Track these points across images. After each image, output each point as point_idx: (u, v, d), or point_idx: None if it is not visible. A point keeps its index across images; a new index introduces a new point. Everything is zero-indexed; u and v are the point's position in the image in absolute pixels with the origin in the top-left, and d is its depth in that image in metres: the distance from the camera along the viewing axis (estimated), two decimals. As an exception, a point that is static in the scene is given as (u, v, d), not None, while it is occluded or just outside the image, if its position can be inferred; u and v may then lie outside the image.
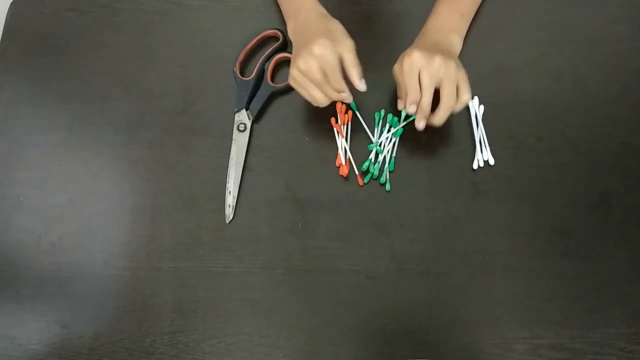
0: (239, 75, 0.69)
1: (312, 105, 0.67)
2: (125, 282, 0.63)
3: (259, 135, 0.67)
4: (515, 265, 0.59)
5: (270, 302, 0.60)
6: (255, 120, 0.68)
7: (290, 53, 0.69)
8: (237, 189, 0.64)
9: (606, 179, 0.62)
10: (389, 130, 0.64)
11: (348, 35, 0.58)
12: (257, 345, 0.59)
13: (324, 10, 0.62)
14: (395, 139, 0.64)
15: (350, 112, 0.66)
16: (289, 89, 0.68)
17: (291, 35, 0.63)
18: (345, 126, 0.65)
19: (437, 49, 0.57)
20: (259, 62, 0.69)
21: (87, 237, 0.65)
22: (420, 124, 0.58)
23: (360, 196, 0.63)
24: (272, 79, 0.69)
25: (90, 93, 0.71)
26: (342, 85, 0.58)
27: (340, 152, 0.64)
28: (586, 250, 0.59)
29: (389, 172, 0.63)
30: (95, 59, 0.73)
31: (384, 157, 0.64)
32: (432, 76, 0.55)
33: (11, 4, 0.78)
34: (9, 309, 0.63)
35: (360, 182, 0.63)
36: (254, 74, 0.68)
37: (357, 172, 0.64)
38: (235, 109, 0.68)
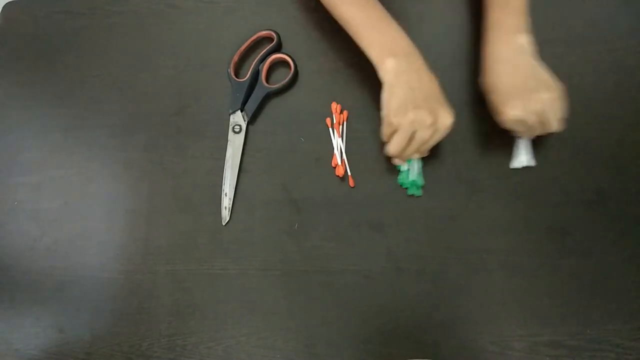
0: (234, 77, 0.69)
1: (307, 107, 0.67)
2: (121, 285, 0.62)
3: (254, 136, 0.67)
4: (512, 263, 0.59)
5: (267, 304, 0.60)
6: (251, 121, 0.68)
7: (286, 54, 0.69)
8: (233, 190, 0.64)
9: (601, 176, 0.62)
10: None
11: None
12: (255, 347, 0.59)
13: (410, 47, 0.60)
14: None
15: (345, 112, 0.66)
16: (284, 90, 0.68)
17: (392, 73, 0.58)
18: (341, 126, 0.65)
19: (536, 82, 0.58)
20: (254, 63, 0.69)
21: (82, 240, 0.65)
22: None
23: (356, 196, 0.63)
24: (267, 80, 0.69)
25: (84, 96, 0.71)
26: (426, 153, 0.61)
27: (336, 153, 0.64)
28: (582, 247, 0.60)
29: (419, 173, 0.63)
30: (89, 61, 0.73)
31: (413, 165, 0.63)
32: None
33: (3, 7, 0.78)
34: (5, 314, 0.63)
35: (352, 183, 0.63)
36: (248, 75, 0.68)
37: (349, 173, 0.63)
38: (230, 111, 0.68)
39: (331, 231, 0.62)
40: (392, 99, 0.58)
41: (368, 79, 0.68)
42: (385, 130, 0.59)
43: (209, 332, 0.60)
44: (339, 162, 0.64)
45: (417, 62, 0.59)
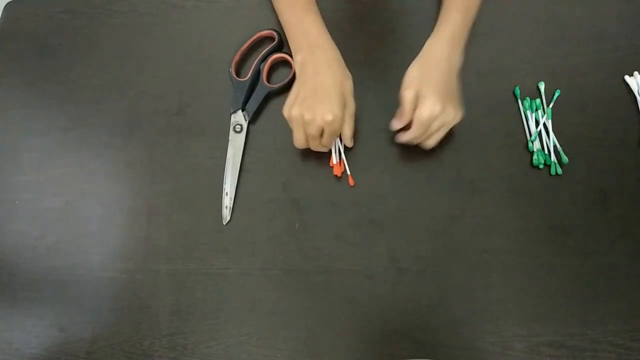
0: (235, 76, 0.69)
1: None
2: (122, 284, 0.62)
3: (255, 136, 0.67)
4: (513, 264, 0.59)
5: (268, 303, 0.60)
6: (252, 121, 0.68)
7: (286, 54, 0.69)
8: (234, 190, 0.64)
9: (604, 176, 0.62)
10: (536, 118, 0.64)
11: (353, 95, 0.61)
12: (256, 346, 0.59)
13: (338, 53, 0.62)
14: (549, 120, 0.64)
15: None
16: (285, 90, 0.68)
17: (299, 66, 0.62)
18: None
19: (451, 89, 0.59)
20: (255, 62, 0.69)
21: (83, 240, 0.65)
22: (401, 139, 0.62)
23: (357, 196, 0.63)
24: (268, 80, 0.69)
25: (85, 95, 0.71)
26: (331, 145, 0.62)
27: (334, 152, 0.64)
28: (584, 247, 0.59)
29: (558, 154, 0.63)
30: (90, 60, 0.73)
31: (545, 142, 0.63)
32: (441, 125, 0.58)
33: (5, 6, 0.78)
34: (6, 313, 0.63)
35: (352, 182, 0.63)
36: (249, 75, 0.68)
37: (349, 173, 0.63)
38: (231, 110, 0.68)
39: (332, 231, 0.62)
40: (290, 93, 0.61)
41: (368, 79, 0.68)
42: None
43: (209, 331, 0.60)
44: (335, 162, 0.64)
45: (321, 56, 0.60)
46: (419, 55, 0.62)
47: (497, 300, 0.58)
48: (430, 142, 0.61)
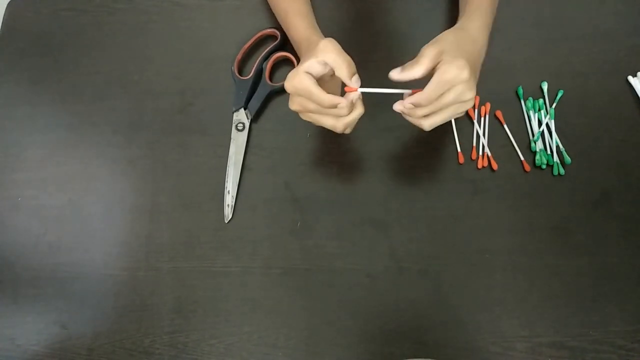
0: (237, 75, 0.69)
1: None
2: (124, 282, 0.62)
3: (257, 134, 0.67)
4: (515, 264, 0.59)
5: (269, 302, 0.60)
6: (254, 119, 0.68)
7: (289, 52, 0.69)
8: (236, 188, 0.64)
9: (606, 176, 0.62)
10: (538, 118, 0.64)
11: (325, 41, 0.52)
12: (257, 345, 0.59)
13: (309, 33, 0.58)
14: (552, 120, 0.63)
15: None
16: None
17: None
18: None
19: (476, 74, 0.53)
20: (257, 61, 0.69)
21: (85, 237, 0.65)
22: (399, 107, 0.52)
23: (358, 195, 0.63)
24: (271, 78, 0.69)
25: (88, 93, 0.71)
26: (324, 101, 0.50)
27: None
28: (586, 248, 0.59)
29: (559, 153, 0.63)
30: (93, 58, 0.73)
31: (548, 143, 0.63)
32: (454, 100, 0.49)
33: (8, 4, 0.78)
34: (8, 309, 0.63)
35: (495, 166, 0.63)
36: (252, 73, 0.68)
37: (489, 153, 0.63)
38: (234, 109, 0.68)
39: (333, 230, 0.62)
40: None
41: (368, 78, 0.67)
42: None
43: (210, 329, 0.60)
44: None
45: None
46: (454, 27, 0.55)
47: (499, 300, 0.58)
48: (430, 122, 0.51)
